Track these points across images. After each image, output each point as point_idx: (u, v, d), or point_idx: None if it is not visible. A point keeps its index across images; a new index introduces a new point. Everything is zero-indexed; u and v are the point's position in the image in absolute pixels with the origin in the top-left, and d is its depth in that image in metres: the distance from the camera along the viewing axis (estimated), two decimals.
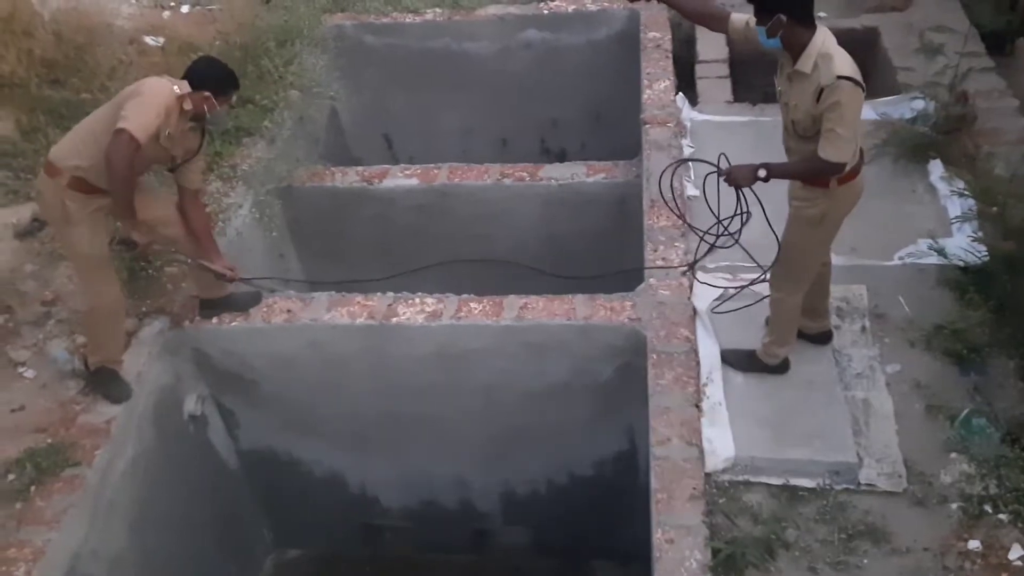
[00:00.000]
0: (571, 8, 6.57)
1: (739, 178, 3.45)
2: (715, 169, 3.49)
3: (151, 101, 3.59)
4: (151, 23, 7.15)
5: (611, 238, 5.33)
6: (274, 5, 6.60)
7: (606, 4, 6.54)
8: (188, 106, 3.74)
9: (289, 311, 4.44)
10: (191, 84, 3.77)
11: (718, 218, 3.69)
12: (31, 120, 5.70)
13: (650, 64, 5.90)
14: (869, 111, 5.19)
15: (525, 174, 5.41)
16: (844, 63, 3.19)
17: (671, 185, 3.91)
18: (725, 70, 6.17)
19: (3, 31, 5.92)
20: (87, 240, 3.80)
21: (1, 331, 4.56)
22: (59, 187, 3.68)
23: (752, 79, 6.12)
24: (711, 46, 6.37)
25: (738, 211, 3.56)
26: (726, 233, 3.67)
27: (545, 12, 6.55)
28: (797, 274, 3.71)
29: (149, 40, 6.66)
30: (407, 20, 6.55)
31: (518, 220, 5.43)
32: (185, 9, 7.08)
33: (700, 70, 6.20)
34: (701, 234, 3.81)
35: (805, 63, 3.24)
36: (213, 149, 5.32)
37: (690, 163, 4.62)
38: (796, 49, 3.26)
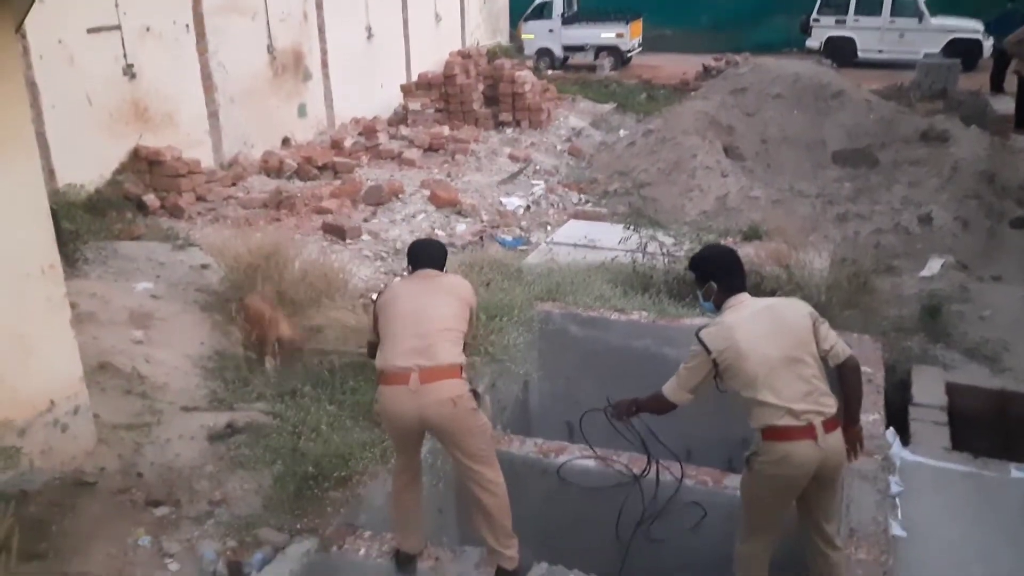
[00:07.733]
0: None
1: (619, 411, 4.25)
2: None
3: None
4: (381, 285, 7.91)
5: None
6: (494, 287, 7.08)
7: None
8: None
9: (437, 559, 4.19)
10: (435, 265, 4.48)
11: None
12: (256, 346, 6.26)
13: None
14: None
15: (708, 479, 5.08)
16: (719, 325, 3.79)
17: None
18: (944, 417, 5.74)
19: (264, 264, 6.75)
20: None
21: (163, 521, 4.63)
22: (464, 382, 4.07)
23: (972, 439, 5.64)
24: (928, 391, 6.01)
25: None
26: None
27: None
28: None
29: (374, 296, 7.29)
30: (612, 316, 6.74)
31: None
32: None
33: (914, 412, 5.81)
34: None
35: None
36: None
37: None
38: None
